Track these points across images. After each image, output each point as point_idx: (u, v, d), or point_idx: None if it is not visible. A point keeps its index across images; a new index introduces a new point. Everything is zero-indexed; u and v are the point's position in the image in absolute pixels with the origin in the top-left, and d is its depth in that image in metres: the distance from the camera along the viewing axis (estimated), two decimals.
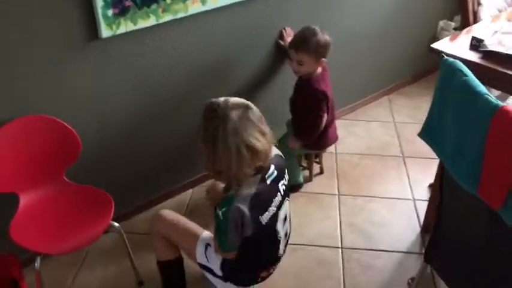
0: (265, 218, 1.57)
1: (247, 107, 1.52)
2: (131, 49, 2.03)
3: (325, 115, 2.40)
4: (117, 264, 2.19)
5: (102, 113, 2.10)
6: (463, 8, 2.23)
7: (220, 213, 1.51)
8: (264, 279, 1.78)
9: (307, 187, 2.66)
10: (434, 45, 1.93)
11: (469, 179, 1.28)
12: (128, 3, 1.88)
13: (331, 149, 2.78)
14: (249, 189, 1.52)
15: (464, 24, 2.26)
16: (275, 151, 1.66)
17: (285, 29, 2.56)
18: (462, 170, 1.31)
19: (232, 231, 1.54)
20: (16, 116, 1.83)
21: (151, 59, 2.12)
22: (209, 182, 2.66)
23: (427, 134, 1.48)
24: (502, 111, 1.16)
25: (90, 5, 1.81)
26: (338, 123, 2.66)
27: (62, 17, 1.79)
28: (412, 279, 2.03)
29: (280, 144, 2.59)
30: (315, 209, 2.51)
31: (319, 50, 2.28)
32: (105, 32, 1.88)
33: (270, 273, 1.79)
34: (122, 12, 1.89)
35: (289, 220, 1.80)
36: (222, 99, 1.51)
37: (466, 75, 1.31)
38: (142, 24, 1.97)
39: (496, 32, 1.94)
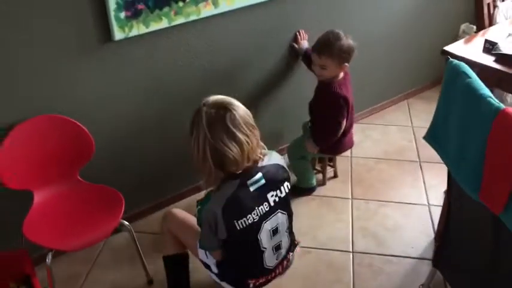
0: (241, 224, 1.52)
1: (225, 109, 1.47)
2: (144, 51, 2.07)
3: (345, 121, 2.39)
4: (129, 262, 2.22)
5: (115, 115, 2.14)
6: (479, 10, 2.19)
7: (197, 210, 1.57)
8: (257, 286, 1.73)
9: (320, 190, 2.65)
10: (447, 48, 1.91)
11: (471, 183, 1.25)
12: (140, 6, 1.92)
13: (346, 152, 2.76)
14: (226, 191, 1.51)
15: (480, 27, 2.22)
16: (274, 160, 1.61)
17: (299, 31, 2.56)
18: (464, 174, 1.29)
19: (206, 230, 1.55)
20: (30, 116, 1.89)
21: (163, 61, 2.15)
22: None
23: (432, 137, 1.47)
24: (504, 113, 1.14)
25: (103, 8, 1.85)
26: (355, 126, 2.64)
27: (76, 20, 1.84)
28: (424, 285, 1.99)
29: (294, 146, 2.60)
30: (328, 213, 2.50)
31: (342, 55, 2.25)
32: (118, 34, 1.92)
33: (263, 283, 1.73)
34: (135, 15, 1.93)
35: (288, 234, 1.71)
36: (209, 97, 1.53)
37: (469, 77, 1.28)
38: (155, 26, 2.01)
39: (510, 34, 1.90)
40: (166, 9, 2.00)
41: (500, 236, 1.30)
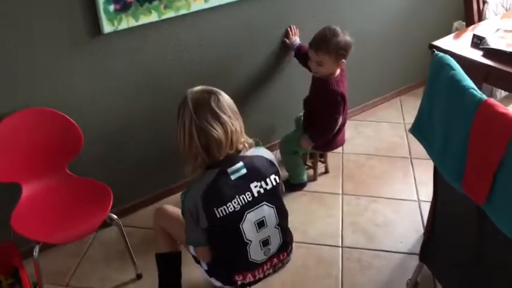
0: (221, 211, 1.52)
1: (210, 92, 1.56)
2: (133, 45, 2.07)
3: (341, 118, 2.39)
4: (119, 257, 2.22)
5: (105, 108, 2.14)
6: (468, 6, 2.19)
7: (181, 201, 1.57)
8: (246, 285, 1.71)
9: (311, 186, 2.65)
10: (436, 43, 1.91)
11: (454, 175, 1.26)
12: (129, 0, 1.92)
13: (338, 149, 2.76)
14: (206, 179, 1.53)
15: (469, 23, 2.23)
16: (261, 153, 1.64)
17: (290, 27, 2.56)
18: (448, 165, 1.29)
19: (189, 220, 1.56)
20: (19, 109, 1.88)
21: (153, 55, 2.15)
22: None
23: (418, 130, 1.47)
24: (486, 105, 1.14)
25: (92, 1, 1.85)
26: (348, 123, 2.63)
27: (64, 12, 1.84)
28: (411, 280, 2.00)
29: (286, 141, 2.60)
30: (318, 208, 2.50)
31: (339, 51, 2.25)
32: (107, 27, 1.92)
33: (252, 281, 1.71)
34: (124, 8, 1.92)
35: (279, 231, 1.68)
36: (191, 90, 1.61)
37: (453, 69, 1.29)
38: (144, 20, 2.01)
39: (498, 29, 1.90)
40: (155, 2, 2.00)
41: (483, 228, 1.31)
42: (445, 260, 1.62)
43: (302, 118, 2.59)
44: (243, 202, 1.55)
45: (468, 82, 1.23)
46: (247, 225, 1.58)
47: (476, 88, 1.21)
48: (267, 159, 1.64)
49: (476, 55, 1.82)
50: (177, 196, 2.57)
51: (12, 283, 1.92)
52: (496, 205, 1.16)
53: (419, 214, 2.44)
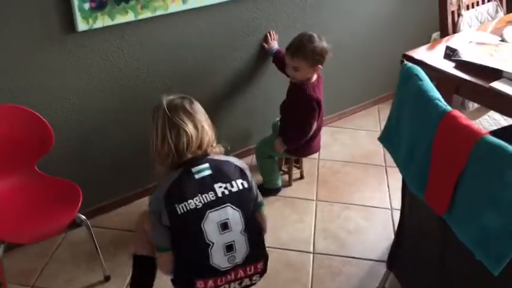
0: (182, 208, 1.53)
1: (184, 97, 1.63)
2: (109, 44, 2.05)
3: (315, 123, 2.40)
4: (87, 258, 2.19)
5: (79, 107, 2.12)
6: (443, 18, 2.22)
7: (148, 203, 1.60)
8: None
9: (285, 191, 2.65)
10: (409, 52, 1.93)
11: (418, 184, 1.27)
12: None
13: (314, 155, 2.77)
14: (171, 178, 1.56)
15: (444, 35, 2.26)
16: (229, 159, 1.67)
17: (270, 32, 2.57)
18: (412, 174, 1.30)
19: (154, 220, 1.55)
20: None
21: (129, 55, 2.13)
22: None
23: (386, 138, 1.48)
24: (449, 116, 1.16)
25: None
26: (325, 129, 2.64)
27: (38, 7, 1.81)
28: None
29: (262, 145, 2.59)
30: (291, 213, 2.51)
31: (315, 57, 2.25)
32: (82, 25, 1.90)
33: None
34: (99, 6, 1.91)
35: (246, 239, 1.62)
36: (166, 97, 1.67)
37: (421, 80, 1.30)
38: (120, 19, 1.99)
39: (471, 42, 1.93)
40: (132, 2, 1.99)
41: (446, 237, 1.32)
42: (411, 268, 1.63)
43: (278, 122, 2.59)
44: (205, 200, 1.55)
45: (434, 93, 1.24)
46: (210, 226, 1.56)
47: (441, 99, 1.22)
48: (236, 165, 1.64)
49: (448, 67, 1.84)
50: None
51: None
52: (456, 216, 1.17)
53: (391, 222, 2.46)
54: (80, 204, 1.87)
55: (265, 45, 2.58)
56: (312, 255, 2.26)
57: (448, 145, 1.15)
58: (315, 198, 2.62)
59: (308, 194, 2.64)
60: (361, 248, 2.30)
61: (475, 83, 1.73)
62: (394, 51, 3.27)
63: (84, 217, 1.94)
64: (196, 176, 1.56)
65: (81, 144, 2.20)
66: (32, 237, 1.81)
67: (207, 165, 1.58)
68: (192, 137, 1.58)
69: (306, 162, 2.78)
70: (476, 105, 2.22)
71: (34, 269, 2.14)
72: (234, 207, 1.60)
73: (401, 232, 1.65)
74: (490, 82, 1.71)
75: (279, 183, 2.64)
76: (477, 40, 1.96)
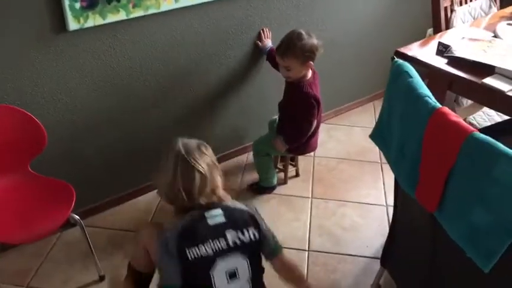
0: (192, 253, 1.45)
1: (199, 142, 1.56)
2: (101, 43, 2.04)
3: (315, 121, 2.39)
4: (82, 258, 2.19)
5: (72, 107, 2.11)
6: (435, 14, 2.21)
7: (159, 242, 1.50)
8: None
9: (281, 189, 2.65)
10: (401, 49, 1.92)
11: (409, 181, 1.27)
12: None
13: (310, 152, 2.77)
14: (182, 220, 1.48)
15: (437, 31, 2.25)
16: (239, 206, 1.58)
17: (263, 29, 2.56)
18: (403, 172, 1.30)
19: (164, 261, 1.49)
20: None
21: (121, 54, 2.13)
22: None
23: (377, 135, 1.48)
24: (438, 113, 1.15)
25: None
26: (321, 126, 2.62)
27: (28, 7, 1.80)
28: (372, 284, 2.01)
29: (260, 143, 2.58)
30: (286, 211, 2.50)
31: (305, 54, 2.24)
32: (73, 24, 1.89)
33: None
34: (90, 5, 1.90)
35: (250, 286, 1.55)
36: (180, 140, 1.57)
37: (411, 76, 1.30)
38: (112, 18, 1.99)
39: (463, 38, 1.92)
40: (124, 1, 1.98)
41: (437, 233, 1.32)
42: (403, 264, 1.63)
43: (277, 121, 2.58)
44: (216, 248, 1.48)
45: (424, 90, 1.24)
46: (218, 274, 1.50)
47: (431, 96, 1.22)
48: (249, 213, 1.56)
49: (441, 63, 1.83)
50: (145, 197, 2.55)
51: None
52: (446, 213, 1.17)
53: (386, 219, 2.46)
54: (73, 204, 1.87)
55: (259, 43, 2.57)
56: (307, 252, 2.26)
57: (437, 142, 1.15)
58: (310, 196, 2.61)
59: (303, 191, 2.64)
60: (356, 245, 2.30)
61: (467, 79, 1.72)
62: (389, 47, 3.24)
63: (78, 217, 1.94)
64: (210, 222, 1.48)
65: (74, 144, 2.20)
66: (26, 238, 1.80)
67: (220, 211, 1.51)
68: (205, 180, 1.49)
69: (302, 159, 2.78)
70: (470, 101, 2.21)
71: (29, 269, 2.14)
72: (243, 256, 1.53)
73: (394, 229, 1.65)
74: (483, 78, 1.71)
75: (275, 181, 2.64)
76: (470, 36, 1.95)
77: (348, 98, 3.34)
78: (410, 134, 1.26)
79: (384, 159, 2.85)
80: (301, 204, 2.56)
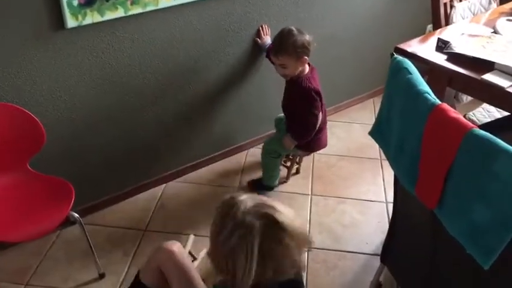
0: None
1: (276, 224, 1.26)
2: (99, 41, 2.03)
3: (320, 114, 2.38)
4: (82, 256, 2.18)
5: (71, 105, 2.10)
6: (435, 10, 2.21)
7: None
8: None
9: (280, 186, 2.65)
10: (401, 45, 1.92)
11: (408, 178, 1.26)
12: None
13: None
14: None
15: (436, 27, 2.24)
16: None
17: (262, 26, 2.55)
18: (403, 168, 1.30)
19: None
20: None
21: (120, 51, 2.12)
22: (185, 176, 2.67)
23: (377, 132, 1.47)
24: (438, 109, 1.15)
25: None
26: None
27: (26, 4, 1.79)
28: (372, 281, 2.01)
29: (272, 143, 2.54)
30: None
31: (297, 50, 2.23)
32: (71, 22, 1.88)
33: None
34: (88, 3, 1.89)
35: None
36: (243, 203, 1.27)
37: (410, 73, 1.29)
38: (110, 15, 1.98)
39: (463, 34, 1.92)
40: None
41: (437, 230, 1.31)
42: (403, 261, 1.63)
43: (284, 119, 2.56)
44: None
45: (423, 86, 1.23)
46: None
47: (430, 92, 1.21)
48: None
49: (440, 59, 1.83)
50: (143, 195, 2.55)
51: None
52: (446, 210, 1.17)
53: (386, 215, 2.46)
54: (72, 202, 1.87)
55: (258, 40, 2.56)
56: (306, 249, 2.26)
57: (437, 138, 1.15)
58: (310, 193, 2.61)
59: (303, 188, 2.64)
60: (356, 242, 2.30)
61: (467, 76, 1.72)
62: (389, 43, 3.23)
63: (78, 215, 1.94)
64: None
65: (73, 142, 2.19)
66: (26, 236, 1.80)
67: None
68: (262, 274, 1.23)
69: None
70: (470, 98, 2.20)
71: (28, 267, 2.13)
72: None
73: (394, 225, 1.64)
74: (483, 74, 1.70)
75: (277, 182, 2.63)
76: (469, 32, 1.95)
77: (347, 95, 3.34)
78: (410, 131, 1.26)
79: (383, 156, 2.86)
80: (301, 201, 2.55)
